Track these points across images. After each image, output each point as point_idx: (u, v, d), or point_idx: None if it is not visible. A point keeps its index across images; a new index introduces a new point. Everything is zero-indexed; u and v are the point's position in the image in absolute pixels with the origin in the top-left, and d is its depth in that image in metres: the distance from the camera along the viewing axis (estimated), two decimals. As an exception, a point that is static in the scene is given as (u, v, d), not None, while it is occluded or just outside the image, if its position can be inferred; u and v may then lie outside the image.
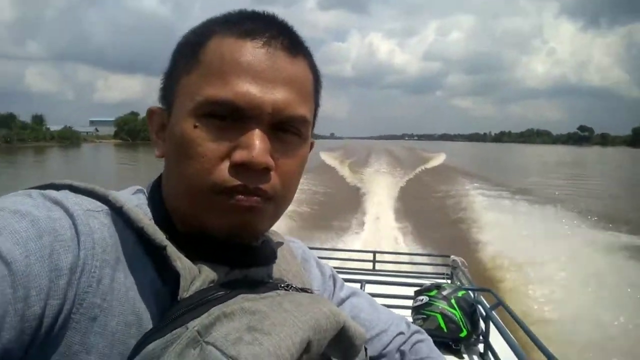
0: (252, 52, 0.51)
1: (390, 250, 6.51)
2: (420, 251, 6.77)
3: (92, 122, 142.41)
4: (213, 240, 0.52)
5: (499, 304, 2.04)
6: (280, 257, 0.65)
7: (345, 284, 0.81)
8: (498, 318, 2.10)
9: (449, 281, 3.17)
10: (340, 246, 7.33)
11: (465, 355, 1.99)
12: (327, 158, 31.44)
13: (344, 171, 22.79)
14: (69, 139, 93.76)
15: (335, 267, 3.51)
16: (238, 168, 0.49)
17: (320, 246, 5.61)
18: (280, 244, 0.68)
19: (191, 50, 0.53)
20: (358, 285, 2.23)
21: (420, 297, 2.12)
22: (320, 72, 0.60)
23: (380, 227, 9.92)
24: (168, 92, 0.56)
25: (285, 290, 0.56)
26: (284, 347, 0.43)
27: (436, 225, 10.45)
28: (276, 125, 0.52)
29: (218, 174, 0.49)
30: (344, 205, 12.80)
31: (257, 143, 0.49)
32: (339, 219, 10.60)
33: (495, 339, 1.92)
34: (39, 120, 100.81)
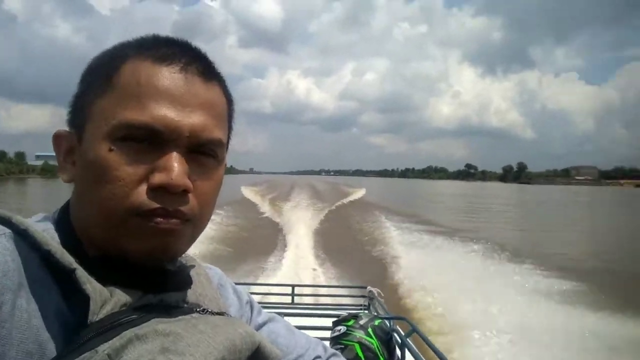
0: (169, 77, 0.52)
1: (309, 283, 6.52)
2: (338, 283, 6.85)
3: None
4: (126, 265, 0.51)
5: (413, 331, 2.12)
6: (197, 282, 0.64)
7: (263, 310, 0.82)
8: (412, 345, 2.18)
9: (367, 311, 3.24)
10: (259, 281, 7.21)
11: None
12: (249, 193, 31.09)
13: (265, 206, 22.61)
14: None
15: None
16: (156, 191, 0.49)
17: (239, 280, 5.48)
18: (197, 269, 0.68)
19: (104, 73, 0.53)
20: None
21: (338, 327, 2.14)
22: (233, 98, 0.61)
23: (299, 261, 9.91)
24: (78, 115, 0.54)
25: (201, 314, 0.56)
26: None
27: (354, 258, 10.66)
28: (193, 149, 0.53)
29: (136, 197, 0.49)
30: (264, 240, 12.67)
31: (176, 166, 0.50)
32: (259, 253, 10.45)
33: None
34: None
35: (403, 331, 2.34)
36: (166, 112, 0.50)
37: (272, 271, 8.73)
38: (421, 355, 2.09)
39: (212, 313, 0.59)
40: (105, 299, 0.47)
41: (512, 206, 39.18)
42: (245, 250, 10.84)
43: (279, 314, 2.25)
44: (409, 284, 7.93)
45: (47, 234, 0.52)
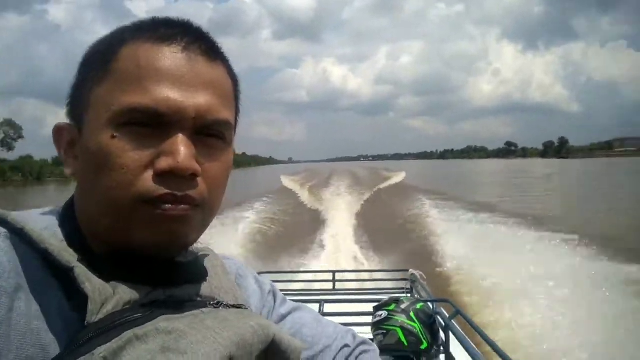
0: (171, 57, 0.49)
1: (350, 269, 6.51)
2: (379, 267, 6.80)
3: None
4: (134, 259, 0.49)
5: (457, 313, 2.05)
6: (212, 274, 0.61)
7: (288, 299, 0.78)
8: (458, 327, 2.11)
9: (409, 295, 3.19)
10: (301, 268, 7.27)
11: None
12: (288, 182, 31.39)
13: (304, 195, 22.76)
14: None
15: (296, 290, 3.48)
16: (163, 176, 0.47)
17: (281, 269, 5.53)
18: (213, 260, 0.65)
19: (102, 60, 0.51)
20: (317, 305, 2.20)
21: (379, 313, 2.10)
22: (239, 78, 0.59)
23: (340, 247, 9.92)
24: (77, 105, 0.53)
25: (215, 307, 0.54)
26: None
27: (396, 241, 10.56)
28: (199, 131, 0.50)
29: (142, 184, 0.47)
30: (305, 228, 12.76)
31: (182, 149, 0.47)
32: (300, 242, 10.53)
33: (456, 348, 1.93)
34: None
35: (447, 314, 2.28)
36: (169, 94, 0.48)
37: (314, 258, 8.78)
38: (467, 338, 2.02)
39: (228, 306, 0.56)
40: (107, 297, 0.45)
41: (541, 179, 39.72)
42: (286, 239, 10.95)
43: (319, 300, 2.26)
44: (453, 266, 7.77)
45: (50, 230, 0.50)
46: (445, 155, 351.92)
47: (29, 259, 0.45)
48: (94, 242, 0.51)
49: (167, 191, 0.47)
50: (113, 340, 0.40)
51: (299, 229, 12.53)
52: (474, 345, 2.02)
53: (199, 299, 0.56)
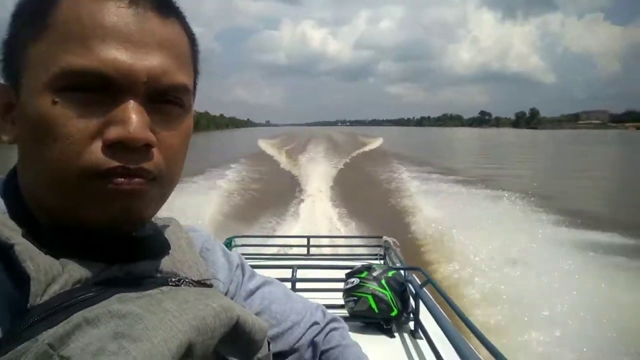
0: (117, 12, 0.43)
1: (325, 235, 6.56)
2: (354, 234, 6.87)
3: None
4: (85, 233, 0.45)
5: (428, 281, 2.07)
6: (175, 248, 0.57)
7: (258, 273, 0.75)
8: (429, 296, 2.14)
9: (382, 262, 3.22)
10: (276, 233, 7.30)
11: (396, 334, 2.01)
12: (265, 145, 31.14)
13: (281, 159, 22.64)
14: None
15: (270, 254, 3.48)
16: (113, 147, 0.42)
17: (256, 234, 5.53)
18: (176, 232, 0.61)
19: (38, 11, 0.44)
20: (290, 270, 2.19)
21: (351, 280, 2.11)
22: (196, 37, 0.53)
23: (316, 212, 9.98)
24: (11, 64, 0.47)
25: (176, 285, 0.50)
26: (157, 355, 0.37)
27: (372, 207, 10.67)
28: (153, 96, 0.45)
29: (90, 156, 0.42)
30: (281, 192, 12.73)
31: (134, 117, 0.43)
32: (276, 206, 10.53)
33: (426, 316, 1.96)
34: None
35: (419, 281, 2.30)
36: (117, 55, 0.42)
37: (289, 223, 8.81)
38: (437, 306, 2.05)
39: (190, 282, 0.53)
40: (54, 275, 0.41)
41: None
42: (262, 203, 10.94)
43: (292, 266, 2.25)
44: (427, 233, 7.91)
45: None
46: (422, 122, 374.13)
47: None
48: (40, 215, 0.46)
49: (118, 164, 0.42)
50: (60, 324, 0.37)
51: (275, 194, 12.49)
52: (443, 313, 2.05)
53: (159, 275, 0.52)
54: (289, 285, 2.09)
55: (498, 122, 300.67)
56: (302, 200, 11.28)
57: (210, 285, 0.56)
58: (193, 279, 0.54)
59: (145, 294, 0.45)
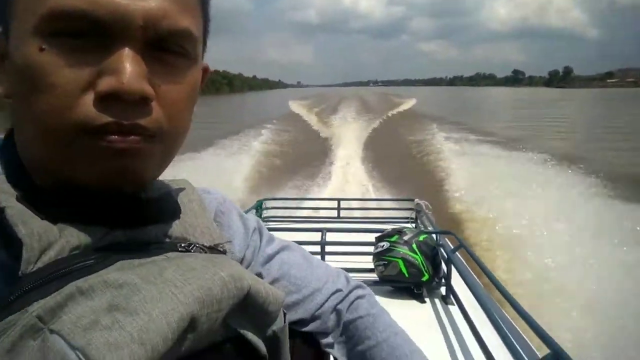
0: None
1: (356, 197, 6.53)
2: (386, 196, 6.81)
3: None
4: (85, 195, 0.41)
5: (461, 246, 2.01)
6: (187, 211, 0.53)
7: (277, 237, 0.70)
8: (462, 260, 2.09)
9: (413, 225, 3.17)
10: (306, 196, 7.32)
11: (427, 299, 1.99)
12: (297, 107, 30.99)
13: (312, 120, 22.52)
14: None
15: (301, 217, 3.49)
16: (106, 100, 0.37)
17: (286, 196, 5.56)
18: (189, 194, 0.57)
19: None
20: (319, 234, 2.18)
21: (381, 243, 2.08)
22: None
23: (347, 175, 9.93)
24: (3, 8, 0.42)
25: (186, 250, 0.46)
26: (154, 330, 0.34)
27: (404, 170, 10.54)
28: (153, 44, 0.40)
29: (80, 110, 0.37)
30: (312, 154, 12.72)
31: (127, 66, 0.37)
32: (307, 169, 10.54)
33: (458, 281, 1.92)
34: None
35: (451, 245, 2.25)
36: None
37: (320, 186, 8.81)
38: (469, 271, 2.00)
39: (202, 248, 0.49)
40: (50, 241, 0.38)
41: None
42: (293, 165, 10.95)
43: (321, 229, 2.24)
44: (461, 196, 7.77)
45: None
46: (455, 82, 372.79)
47: None
48: (37, 175, 0.42)
49: (110, 119, 0.38)
50: (51, 295, 0.34)
51: (306, 156, 12.47)
52: (476, 278, 2.01)
53: (167, 240, 0.48)
54: (318, 248, 2.08)
55: (531, 81, 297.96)
56: (333, 163, 11.25)
57: (224, 252, 0.53)
58: (205, 244, 0.51)
59: (149, 260, 0.41)
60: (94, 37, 0.38)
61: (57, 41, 0.37)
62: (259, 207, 3.28)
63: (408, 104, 36.76)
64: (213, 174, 7.38)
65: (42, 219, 0.39)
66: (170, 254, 0.44)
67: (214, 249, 0.51)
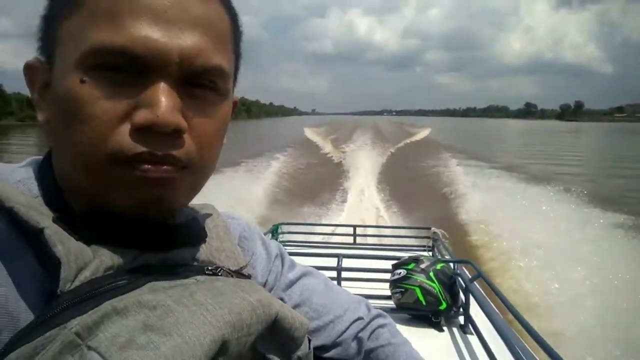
0: None
1: (372, 224, 6.50)
2: (401, 224, 6.77)
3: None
4: (117, 220, 0.43)
5: (479, 275, 1.99)
6: (213, 236, 0.55)
7: (300, 262, 0.72)
8: (480, 289, 2.07)
9: (430, 253, 3.15)
10: (322, 221, 7.31)
11: (445, 328, 1.96)
12: (311, 134, 31.24)
13: (328, 147, 22.65)
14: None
15: (316, 242, 3.48)
16: (141, 132, 0.40)
17: (302, 221, 5.57)
18: (214, 220, 0.59)
19: None
20: (335, 259, 2.18)
21: (398, 271, 2.07)
22: (239, 17, 0.50)
23: (362, 202, 9.91)
24: (47, 40, 0.45)
25: (212, 274, 0.48)
26: (187, 352, 0.35)
27: (419, 198, 10.48)
28: (187, 79, 0.42)
29: (116, 140, 0.40)
30: (327, 181, 12.75)
31: (163, 100, 0.40)
32: (322, 195, 10.56)
33: (476, 311, 1.89)
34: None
35: (469, 275, 2.23)
36: (148, 32, 0.40)
37: (335, 212, 8.80)
38: (488, 300, 1.97)
39: (228, 272, 0.50)
40: (85, 262, 0.40)
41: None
42: (308, 192, 10.97)
43: (338, 255, 2.23)
44: (477, 226, 7.67)
45: (24, 185, 0.44)
46: (468, 113, 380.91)
47: None
48: (73, 199, 0.44)
49: (145, 149, 0.40)
50: (88, 313, 0.35)
51: (321, 182, 12.51)
52: (495, 308, 1.97)
53: (195, 263, 0.50)
54: (334, 274, 2.07)
55: (543, 114, 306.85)
56: (348, 190, 11.25)
57: (249, 277, 0.54)
58: (231, 268, 0.52)
59: (179, 283, 0.43)
60: (132, 71, 0.40)
61: (98, 74, 0.40)
62: (274, 231, 3.29)
63: (423, 134, 36.87)
64: (229, 194, 7.43)
65: (76, 239, 0.40)
66: (199, 277, 0.46)
67: (239, 273, 0.53)
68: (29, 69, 0.47)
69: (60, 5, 0.43)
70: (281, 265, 0.67)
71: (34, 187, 0.45)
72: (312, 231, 4.02)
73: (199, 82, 0.43)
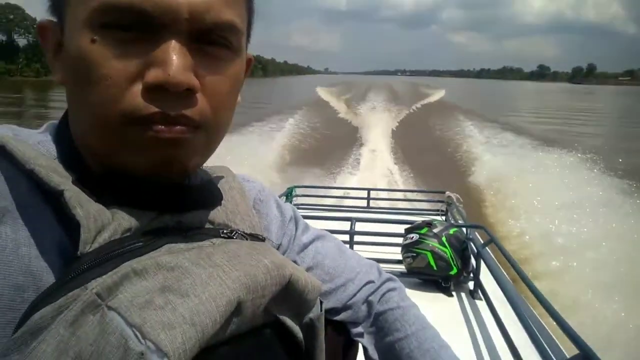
0: None
1: (385, 187, 6.50)
2: (415, 188, 6.75)
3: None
4: (134, 181, 0.43)
5: (491, 240, 1.99)
6: (228, 198, 0.56)
7: (313, 225, 0.72)
8: (491, 255, 2.08)
9: (443, 218, 3.15)
10: (336, 184, 7.33)
11: (454, 293, 1.98)
12: (325, 94, 30.85)
13: (341, 108, 22.39)
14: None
15: (329, 205, 3.50)
16: (153, 91, 0.39)
17: (315, 184, 5.59)
18: (230, 182, 0.59)
19: None
20: (348, 223, 2.20)
21: (411, 235, 2.08)
22: None
23: (376, 164, 9.87)
24: (57, 0, 0.44)
25: (228, 237, 0.48)
26: (204, 312, 0.36)
27: (434, 161, 10.40)
28: (198, 36, 0.41)
29: (128, 100, 0.39)
30: (341, 143, 12.67)
31: (174, 58, 0.39)
32: (335, 157, 10.52)
33: (486, 276, 1.91)
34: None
35: (481, 240, 2.24)
36: None
37: (348, 175, 8.79)
38: (498, 266, 1.98)
39: (243, 235, 0.51)
40: (104, 224, 0.40)
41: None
42: (321, 154, 10.93)
43: (351, 218, 2.25)
44: (492, 190, 7.62)
45: (43, 146, 0.44)
46: (482, 74, 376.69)
47: (16, 181, 0.40)
48: (90, 160, 0.44)
49: (157, 109, 0.39)
50: (108, 274, 0.36)
51: (334, 144, 12.45)
52: (505, 274, 1.98)
53: (210, 225, 0.51)
54: (347, 237, 2.09)
55: (555, 77, 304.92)
56: (361, 152, 11.19)
57: (263, 239, 0.54)
58: (245, 231, 0.53)
59: (195, 245, 0.43)
60: (141, 29, 0.39)
61: (108, 33, 0.39)
62: (289, 194, 3.32)
63: (438, 95, 36.24)
64: (243, 155, 7.44)
65: (95, 201, 0.41)
66: (214, 240, 0.46)
67: (254, 236, 0.53)
68: (41, 29, 0.46)
69: None
70: (295, 229, 0.68)
71: (52, 149, 0.46)
72: (326, 194, 4.04)
73: (211, 39, 0.42)
